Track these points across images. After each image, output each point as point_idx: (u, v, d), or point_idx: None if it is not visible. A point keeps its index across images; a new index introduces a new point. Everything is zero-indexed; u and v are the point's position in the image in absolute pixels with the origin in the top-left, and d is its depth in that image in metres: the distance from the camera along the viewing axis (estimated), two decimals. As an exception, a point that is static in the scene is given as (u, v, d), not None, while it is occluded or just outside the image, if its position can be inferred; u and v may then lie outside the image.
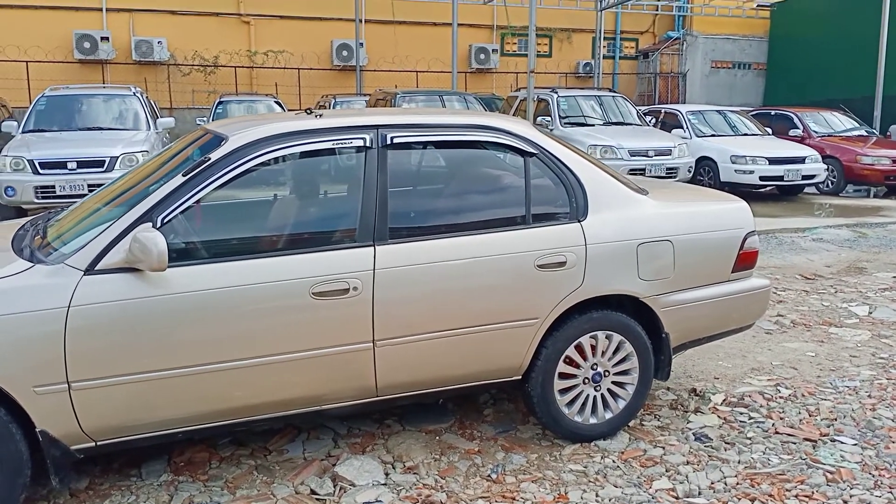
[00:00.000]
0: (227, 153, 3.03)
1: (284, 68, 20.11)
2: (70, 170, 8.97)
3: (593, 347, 3.54)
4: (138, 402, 2.87)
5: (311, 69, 20.42)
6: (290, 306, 2.98)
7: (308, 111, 3.44)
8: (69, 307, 2.72)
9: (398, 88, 17.74)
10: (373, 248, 3.12)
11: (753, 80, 23.90)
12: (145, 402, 2.88)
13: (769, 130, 13.62)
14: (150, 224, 2.85)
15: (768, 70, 23.61)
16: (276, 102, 16.05)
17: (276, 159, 3.12)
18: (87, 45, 18.27)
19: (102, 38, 18.39)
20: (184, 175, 2.97)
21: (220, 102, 15.68)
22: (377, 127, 3.25)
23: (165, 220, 2.89)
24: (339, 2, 19.80)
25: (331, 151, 3.24)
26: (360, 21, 19.64)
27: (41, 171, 8.88)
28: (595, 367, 3.57)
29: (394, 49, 20.74)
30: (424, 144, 3.42)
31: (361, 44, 20.02)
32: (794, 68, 21.95)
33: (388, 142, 3.24)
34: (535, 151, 3.48)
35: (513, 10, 20.70)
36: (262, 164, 3.08)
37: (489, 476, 3.33)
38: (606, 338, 3.55)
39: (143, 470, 3.35)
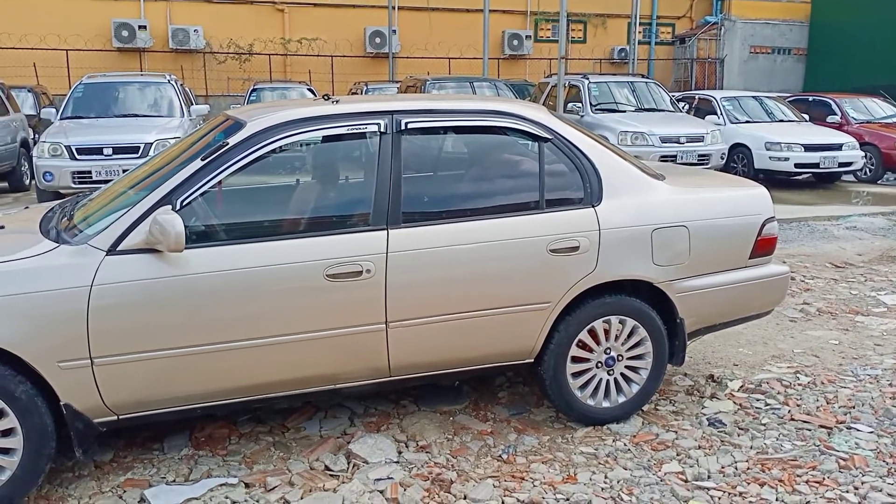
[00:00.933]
0: (245, 138, 3.11)
1: (318, 56, 20.26)
2: (106, 156, 9.18)
3: (606, 332, 3.56)
4: (158, 378, 2.97)
5: (344, 56, 20.53)
6: (304, 288, 3.05)
7: (326, 97, 3.50)
8: (92, 286, 2.82)
9: (429, 75, 17.80)
10: (386, 231, 3.17)
11: (793, 65, 23.42)
12: (165, 378, 2.98)
13: (806, 117, 13.35)
14: (170, 206, 2.94)
15: (809, 55, 23.12)
16: (308, 90, 16.22)
17: (292, 144, 3.19)
18: (125, 33, 18.61)
19: (140, 27, 18.71)
20: (202, 159, 3.05)
21: (253, 90, 15.91)
22: (392, 112, 3.30)
23: (185, 203, 2.98)
24: (372, -11, 19.86)
25: (346, 137, 3.30)
26: (393, 8, 19.69)
27: (78, 157, 9.10)
28: (608, 351, 3.59)
29: (426, 36, 20.75)
30: (439, 130, 3.45)
31: (394, 31, 20.07)
32: (836, 54, 21.46)
33: (403, 127, 3.28)
34: (550, 137, 3.49)
35: (547, -5, 20.56)
36: (279, 148, 3.15)
37: (500, 456, 3.39)
38: (620, 322, 3.56)
39: (166, 444, 3.47)
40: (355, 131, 3.27)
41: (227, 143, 3.09)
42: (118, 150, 9.23)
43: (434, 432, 3.60)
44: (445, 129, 3.48)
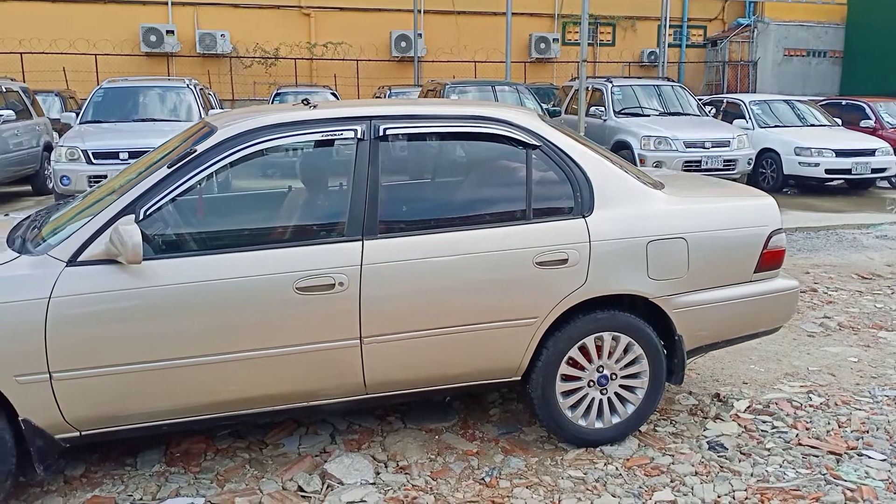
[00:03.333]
0: (214, 145, 2.99)
1: (343, 60, 20.25)
2: (122, 160, 9.16)
3: (599, 349, 3.37)
4: (120, 393, 2.86)
5: (369, 60, 20.50)
6: (272, 301, 2.92)
7: (305, 102, 3.37)
8: (50, 298, 2.72)
9: (455, 78, 17.67)
10: (361, 242, 3.03)
11: (829, 68, 22.84)
12: (127, 393, 2.87)
13: (838, 121, 12.94)
14: (133, 216, 2.83)
15: (845, 58, 22.52)
16: (332, 93, 16.21)
17: (264, 151, 3.06)
18: (153, 38, 18.79)
19: (168, 32, 18.87)
20: (169, 167, 2.94)
21: (277, 94, 15.93)
22: (370, 118, 3.16)
23: (149, 213, 2.87)
24: (398, -7, 19.81)
25: (321, 143, 3.17)
26: (419, 11, 19.61)
27: (94, 161, 9.12)
28: (601, 369, 3.40)
29: (453, 39, 20.63)
30: (420, 136, 3.29)
31: (420, 34, 19.99)
32: (873, 56, 20.87)
33: (381, 133, 3.14)
34: (539, 143, 3.32)
35: (574, -2, 20.29)
36: (250, 155, 3.02)
37: (482, 479, 3.21)
38: (613, 339, 3.37)
39: (139, 459, 3.37)
40: (331, 137, 3.13)
41: (195, 151, 2.97)
42: (134, 154, 9.19)
43: (417, 452, 3.44)
44: (427, 136, 3.31)
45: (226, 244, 3.01)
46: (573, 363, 3.36)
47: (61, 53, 17.85)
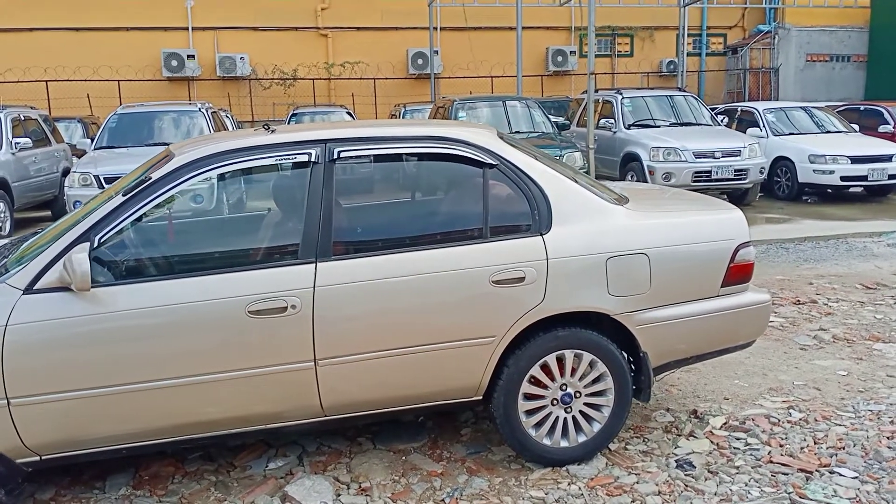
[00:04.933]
0: (169, 172, 3.05)
1: (361, 79, 20.44)
2: (133, 184, 9.36)
3: (561, 367, 3.35)
4: (78, 418, 2.91)
5: (386, 79, 20.66)
6: (225, 325, 2.96)
7: (265, 127, 3.43)
8: (6, 325, 2.79)
9: (472, 94, 17.71)
10: (314, 264, 3.06)
11: (853, 73, 22.42)
12: (85, 418, 2.92)
13: (856, 127, 12.71)
14: (88, 244, 2.89)
15: (869, 62, 22.09)
16: (347, 113, 16.36)
17: (221, 176, 3.12)
18: (174, 63, 19.17)
19: (189, 56, 19.24)
20: (124, 195, 3.01)
21: (293, 115, 16.14)
22: (325, 141, 3.20)
23: (103, 240, 2.93)
24: (414, 10, 19.94)
25: (277, 167, 3.21)
26: (435, 29, 19.73)
27: (105, 187, 9.31)
28: (564, 387, 3.38)
29: (468, 55, 20.70)
30: (376, 158, 3.32)
31: (436, 51, 20.11)
32: (899, 59, 20.47)
33: (335, 156, 3.17)
34: (496, 162, 3.33)
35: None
36: (205, 181, 3.08)
37: (443, 500, 3.21)
38: (576, 357, 3.35)
39: (108, 483, 3.42)
40: (286, 161, 3.18)
41: (150, 178, 3.03)
42: (144, 178, 9.40)
43: (381, 473, 3.44)
44: (383, 157, 3.34)
45: (180, 270, 3.06)
46: (535, 381, 3.35)
47: (85, 80, 18.29)
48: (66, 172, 12.32)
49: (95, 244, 2.91)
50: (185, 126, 11.12)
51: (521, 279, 3.21)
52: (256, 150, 3.14)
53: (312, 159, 3.15)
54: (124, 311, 2.89)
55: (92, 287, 2.86)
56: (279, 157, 3.16)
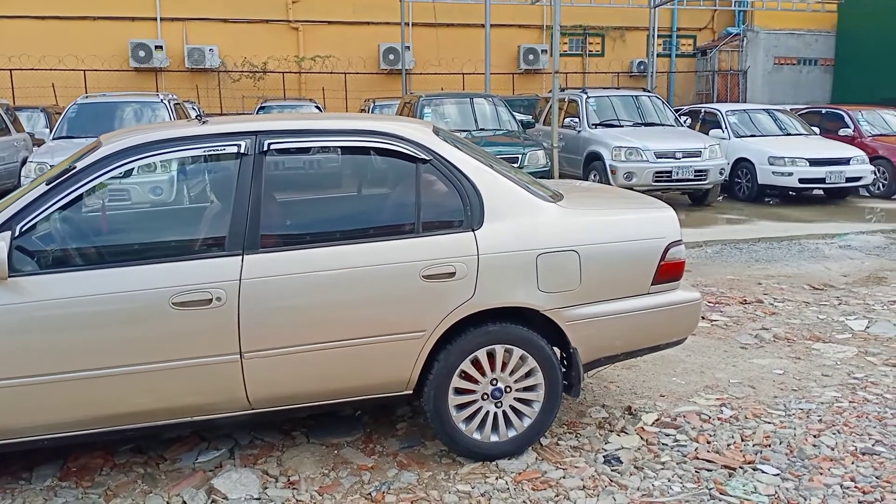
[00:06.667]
0: (94, 162, 3.02)
1: (332, 73, 20.36)
2: (90, 175, 9.24)
3: (492, 362, 3.37)
4: (-4, 409, 2.88)
5: (357, 73, 20.60)
6: (148, 316, 2.94)
7: (198, 118, 3.40)
8: (-75, 315, 2.75)
9: (442, 90, 17.70)
10: (241, 257, 3.05)
11: (820, 76, 22.80)
12: (3, 407, 2.89)
13: (816, 130, 12.91)
14: (10, 233, 2.86)
15: (836, 66, 22.48)
16: (315, 107, 16.30)
17: (147, 167, 3.09)
18: (142, 53, 18.95)
19: (157, 47, 19.04)
20: (47, 184, 2.98)
21: (261, 108, 16.04)
22: (255, 133, 3.19)
23: (24, 229, 2.90)
24: (386, 6, 19.89)
25: (205, 158, 3.20)
26: (407, 24, 19.68)
27: (62, 177, 9.18)
28: (495, 382, 3.40)
29: (441, 52, 20.71)
30: (307, 150, 3.32)
31: (408, 47, 20.08)
32: (865, 64, 20.81)
33: (265, 148, 3.16)
34: (429, 157, 3.34)
35: (563, 9, 20.34)
36: (131, 171, 3.05)
37: (369, 494, 3.21)
38: (506, 352, 3.37)
39: (34, 473, 3.38)
40: (214, 153, 3.17)
41: (75, 167, 3.01)
42: (102, 169, 9.29)
43: (311, 467, 3.44)
44: (314, 150, 3.34)
45: (104, 260, 3.04)
46: (466, 376, 3.37)
47: (50, 70, 18.01)
48: (24, 162, 12.15)
49: (17, 233, 2.87)
50: (147, 117, 10.98)
51: (452, 274, 3.23)
52: (184, 140, 3.13)
53: (242, 151, 3.14)
54: (45, 300, 2.86)
55: (13, 276, 2.84)
56: (208, 149, 3.15)
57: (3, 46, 17.87)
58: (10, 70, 17.80)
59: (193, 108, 15.30)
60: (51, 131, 10.70)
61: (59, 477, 3.36)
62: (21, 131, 12.49)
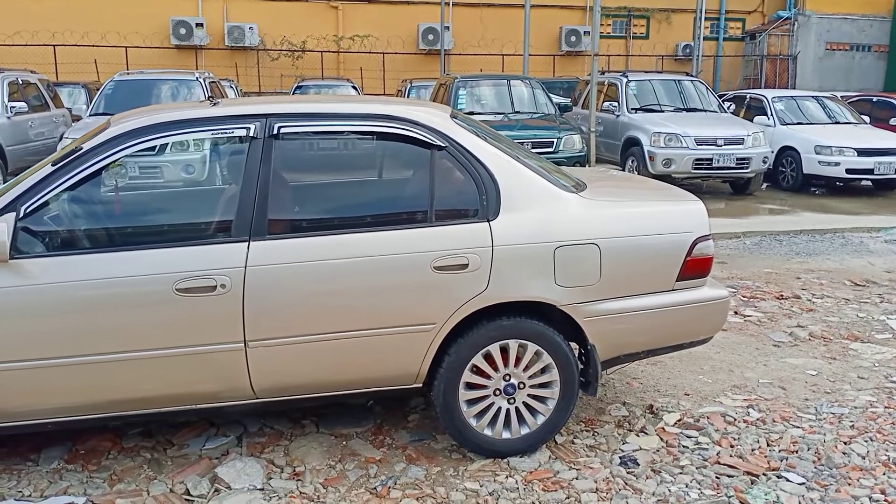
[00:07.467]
0: (101, 143, 2.96)
1: (370, 53, 20.24)
2: (124, 152, 9.30)
3: (505, 357, 3.25)
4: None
5: (396, 53, 20.44)
6: (151, 302, 2.88)
7: (209, 99, 3.33)
8: (-73, 294, 2.73)
9: (482, 72, 17.46)
10: (247, 243, 2.97)
11: (874, 63, 21.94)
12: (6, 391, 2.87)
13: (867, 119, 12.42)
14: (14, 214, 2.82)
15: (891, 53, 21.60)
16: (352, 87, 16.21)
17: (154, 148, 3.03)
18: (182, 31, 19.05)
19: (197, 25, 19.12)
20: (53, 164, 2.93)
21: (298, 87, 16.01)
22: (266, 116, 3.10)
23: (29, 210, 2.86)
24: (426, -15, 19.69)
25: (214, 141, 3.12)
26: (447, 4, 19.48)
27: (96, 153, 9.26)
28: (508, 378, 3.28)
29: (480, 32, 20.44)
30: (319, 135, 3.22)
31: (447, 27, 19.88)
32: (922, 51, 20.00)
33: (275, 132, 3.07)
34: (445, 144, 3.21)
35: (606, -10, 19.91)
36: (139, 153, 2.99)
37: (374, 489, 3.13)
38: (520, 347, 3.25)
39: (42, 455, 3.37)
40: (223, 136, 3.09)
41: (81, 148, 2.95)
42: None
43: (318, 458, 3.38)
44: (327, 135, 3.23)
45: (107, 244, 2.98)
46: (478, 371, 3.26)
47: (93, 46, 18.20)
48: (62, 138, 12.31)
49: (21, 214, 2.83)
50: (182, 94, 11.01)
51: (465, 266, 3.11)
52: (193, 122, 3.05)
53: (251, 134, 3.05)
54: (48, 283, 2.82)
55: (17, 258, 2.80)
56: (217, 132, 3.06)
57: (47, 22, 18.11)
58: (54, 45, 18.04)
59: (231, 87, 15.34)
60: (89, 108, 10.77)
61: (66, 459, 3.35)
62: (60, 107, 12.64)
